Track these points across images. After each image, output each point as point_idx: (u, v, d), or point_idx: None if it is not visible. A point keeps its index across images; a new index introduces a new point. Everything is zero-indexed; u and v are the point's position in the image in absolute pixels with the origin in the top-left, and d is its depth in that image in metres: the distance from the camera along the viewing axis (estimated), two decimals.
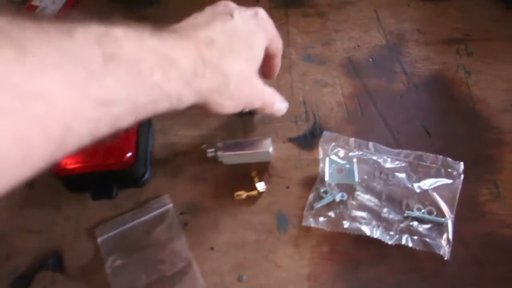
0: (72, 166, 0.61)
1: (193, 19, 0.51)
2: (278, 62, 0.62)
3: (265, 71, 0.63)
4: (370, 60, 0.73)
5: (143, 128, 0.66)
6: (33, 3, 0.87)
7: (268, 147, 0.63)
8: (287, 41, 0.76)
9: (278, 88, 0.71)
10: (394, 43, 0.74)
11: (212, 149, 0.65)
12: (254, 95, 0.54)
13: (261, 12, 0.55)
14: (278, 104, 0.61)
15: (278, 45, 0.59)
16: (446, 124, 0.66)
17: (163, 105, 0.41)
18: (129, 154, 0.61)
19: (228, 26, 0.50)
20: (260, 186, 0.63)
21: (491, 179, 0.61)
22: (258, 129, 0.69)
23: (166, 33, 0.44)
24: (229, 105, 0.50)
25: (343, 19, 0.78)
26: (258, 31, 0.53)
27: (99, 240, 0.63)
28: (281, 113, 0.62)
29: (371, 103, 0.69)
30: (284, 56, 0.73)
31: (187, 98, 0.44)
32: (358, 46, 0.75)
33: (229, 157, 0.64)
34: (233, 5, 0.54)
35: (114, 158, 0.61)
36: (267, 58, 0.59)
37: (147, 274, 0.60)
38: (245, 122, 0.69)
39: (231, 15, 0.51)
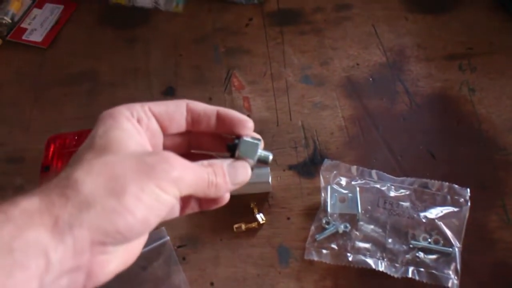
0: None
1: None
2: (205, 111, 0.40)
3: (220, 128, 0.41)
4: (370, 79, 0.71)
5: None
6: (22, 25, 0.84)
7: (267, 178, 0.61)
8: (283, 62, 0.74)
9: (275, 111, 0.69)
10: (395, 60, 0.72)
11: None
12: (149, 168, 0.34)
13: (101, 115, 0.37)
14: (233, 172, 0.39)
15: (153, 108, 0.39)
16: (451, 146, 0.64)
17: None
18: None
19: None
20: (260, 217, 0.61)
21: (500, 205, 0.59)
22: None
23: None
24: (128, 201, 0.32)
25: (340, 35, 0.76)
26: (99, 122, 0.36)
27: None
28: (245, 179, 0.40)
29: (373, 126, 0.66)
30: (280, 78, 0.72)
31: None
32: (358, 64, 0.72)
33: None
34: None
35: None
36: (191, 123, 0.41)
37: None
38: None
39: None
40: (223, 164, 0.38)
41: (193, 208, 0.42)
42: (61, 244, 0.30)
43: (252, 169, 0.40)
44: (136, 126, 0.37)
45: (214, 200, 0.42)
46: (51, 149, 0.66)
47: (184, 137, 0.42)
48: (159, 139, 0.40)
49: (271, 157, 0.40)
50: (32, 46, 0.83)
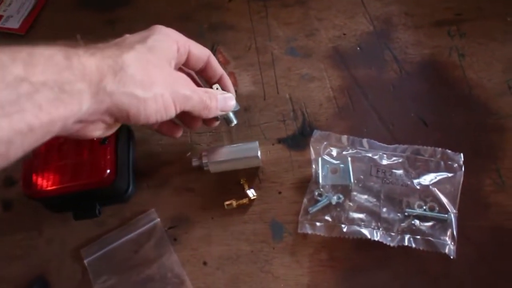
0: (48, 188, 0.58)
1: None
2: (217, 71, 0.58)
3: (208, 75, 0.58)
4: (358, 48, 0.69)
5: (121, 140, 0.62)
6: None
7: (256, 152, 0.60)
8: (268, 35, 0.72)
9: (262, 85, 0.68)
10: (382, 29, 0.70)
11: (197, 158, 0.61)
12: (177, 82, 0.48)
13: (157, 25, 0.50)
14: (220, 102, 0.55)
15: (197, 49, 0.54)
16: (443, 112, 0.62)
17: (46, 98, 0.37)
18: (108, 171, 0.58)
19: (117, 39, 0.48)
20: (251, 193, 0.60)
21: (494, 168, 0.58)
22: (244, 131, 0.65)
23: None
24: (148, 97, 0.44)
25: (325, 6, 0.74)
26: (155, 32, 0.49)
27: (85, 261, 0.60)
28: (226, 109, 0.56)
29: (362, 95, 0.65)
30: (266, 51, 0.70)
31: (73, 82, 0.38)
32: (344, 34, 0.70)
33: (216, 165, 0.60)
34: None
35: (92, 177, 0.58)
36: (205, 75, 0.57)
37: None
38: (230, 128, 0.65)
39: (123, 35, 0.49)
40: (217, 94, 0.55)
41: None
42: (94, 103, 0.40)
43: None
44: (175, 49, 0.50)
45: (207, 121, 0.59)
46: None
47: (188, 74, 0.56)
48: (180, 63, 0.53)
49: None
50: (9, 34, 0.80)
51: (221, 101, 0.54)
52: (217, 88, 0.57)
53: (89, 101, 0.40)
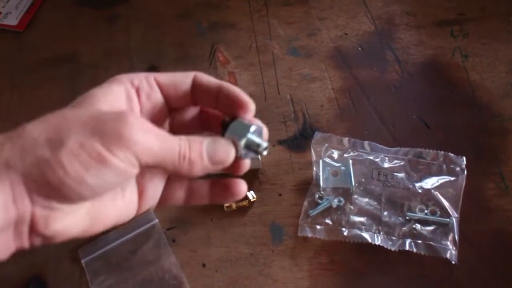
0: None
1: None
2: (211, 86, 0.36)
3: (226, 109, 0.37)
4: (360, 49, 0.68)
5: None
6: None
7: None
8: (269, 34, 0.71)
9: (263, 86, 0.67)
10: (384, 29, 0.69)
11: None
12: (111, 124, 0.30)
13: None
14: (212, 150, 0.33)
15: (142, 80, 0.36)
16: (445, 114, 0.62)
17: None
18: None
19: None
20: (251, 195, 0.59)
21: (497, 172, 0.57)
22: None
23: None
24: (62, 154, 0.28)
25: (327, 5, 0.73)
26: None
27: (83, 261, 0.59)
28: (226, 160, 0.34)
29: (364, 96, 0.64)
30: (266, 51, 0.69)
31: None
32: (346, 34, 0.70)
33: None
34: None
35: None
36: (201, 101, 0.37)
37: None
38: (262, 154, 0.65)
39: None
40: (202, 140, 0.33)
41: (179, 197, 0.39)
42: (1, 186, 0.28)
43: (240, 154, 0.34)
44: (129, 92, 0.35)
45: (226, 190, 0.38)
46: None
47: (194, 118, 0.39)
48: (163, 112, 0.37)
49: (265, 145, 0.35)
50: (7, 30, 0.80)
51: (209, 150, 0.33)
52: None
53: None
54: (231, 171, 0.37)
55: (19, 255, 0.58)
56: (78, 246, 0.60)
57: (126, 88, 0.35)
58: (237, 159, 0.35)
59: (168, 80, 0.36)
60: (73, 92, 0.72)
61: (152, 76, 0.36)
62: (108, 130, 0.29)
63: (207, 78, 0.37)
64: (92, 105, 0.32)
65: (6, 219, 0.28)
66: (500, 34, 0.67)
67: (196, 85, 0.37)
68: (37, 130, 0.29)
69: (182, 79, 0.37)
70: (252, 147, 0.35)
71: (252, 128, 0.35)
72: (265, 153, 0.35)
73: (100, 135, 0.29)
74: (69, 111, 0.31)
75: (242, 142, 0.34)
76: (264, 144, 0.35)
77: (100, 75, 0.73)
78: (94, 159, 0.29)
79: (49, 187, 0.29)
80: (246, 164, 0.37)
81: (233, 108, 0.36)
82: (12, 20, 0.80)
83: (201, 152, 0.33)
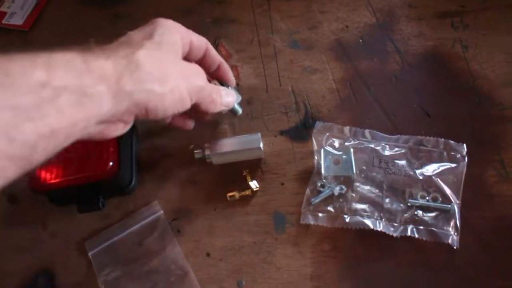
0: (52, 181, 0.58)
1: None
2: (216, 59, 0.58)
3: (217, 77, 0.60)
4: (360, 41, 0.69)
5: (124, 133, 0.62)
6: (1, 9, 0.82)
7: (258, 144, 0.60)
8: (270, 28, 0.72)
9: (264, 78, 0.68)
10: (385, 21, 0.70)
11: (200, 150, 0.61)
12: (191, 74, 0.50)
13: (158, 18, 0.51)
14: (227, 97, 0.57)
15: (197, 40, 0.54)
16: (446, 103, 0.62)
17: (68, 102, 0.37)
18: (111, 163, 0.58)
19: (121, 39, 0.48)
20: (253, 184, 0.60)
21: (497, 159, 0.58)
22: (247, 123, 0.65)
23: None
24: (165, 91, 0.46)
25: None
26: (158, 26, 0.49)
27: (90, 254, 0.60)
28: (230, 105, 0.59)
29: (364, 87, 0.65)
30: (268, 44, 0.70)
31: (93, 86, 0.39)
32: (347, 27, 0.70)
33: (218, 157, 0.60)
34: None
35: (95, 169, 0.58)
36: (204, 65, 0.56)
37: (142, 286, 0.57)
38: (232, 120, 0.65)
39: (126, 33, 0.49)
40: (221, 88, 0.56)
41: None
42: (114, 103, 0.41)
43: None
44: (179, 41, 0.50)
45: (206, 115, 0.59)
46: None
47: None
48: (184, 54, 0.53)
49: (240, 111, 0.63)
50: (13, 30, 0.81)
51: (224, 96, 0.56)
52: (215, 83, 0.60)
53: (109, 103, 0.41)
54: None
55: (27, 249, 0.59)
56: (84, 239, 0.61)
57: (179, 41, 0.50)
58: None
59: (196, 43, 0.54)
60: None
61: (188, 34, 0.52)
62: (191, 80, 0.49)
63: (214, 52, 0.57)
64: (173, 49, 0.49)
65: (101, 120, 0.42)
66: (500, 24, 0.67)
67: (206, 53, 0.56)
68: (149, 64, 0.44)
69: (202, 45, 0.55)
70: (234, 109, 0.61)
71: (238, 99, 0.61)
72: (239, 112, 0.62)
73: (187, 83, 0.48)
74: (163, 53, 0.47)
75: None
76: (240, 111, 0.62)
77: None
78: (181, 99, 0.48)
79: (144, 110, 0.45)
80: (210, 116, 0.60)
81: (220, 75, 0.59)
82: (18, 20, 0.81)
83: (221, 99, 0.55)
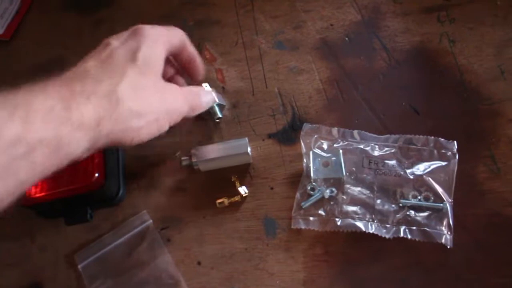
0: (38, 195, 0.57)
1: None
2: (191, 54, 0.56)
3: (188, 71, 0.58)
4: (346, 39, 0.68)
5: None
6: None
7: (246, 149, 0.59)
8: (255, 29, 0.71)
9: (250, 81, 0.67)
10: (370, 18, 0.69)
11: (187, 157, 0.60)
12: (170, 99, 0.49)
13: (140, 27, 0.49)
14: (205, 97, 0.56)
15: (175, 37, 0.53)
16: (435, 100, 0.61)
17: (42, 156, 0.37)
18: (96, 175, 0.57)
19: (104, 53, 0.46)
20: (243, 190, 0.59)
21: (488, 155, 0.57)
22: (234, 128, 0.64)
23: (21, 88, 0.39)
24: (143, 125, 0.45)
25: None
26: (140, 41, 0.47)
27: (79, 266, 0.59)
28: (212, 102, 0.59)
29: (352, 86, 0.64)
30: (253, 46, 0.69)
31: (72, 135, 0.39)
32: (332, 25, 0.69)
33: (206, 164, 0.59)
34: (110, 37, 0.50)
35: (81, 181, 0.57)
36: (178, 58, 0.55)
37: None
38: (219, 125, 0.65)
39: (108, 44, 0.47)
40: (199, 89, 0.56)
41: None
42: (90, 145, 0.41)
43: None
44: (163, 56, 0.49)
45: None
46: None
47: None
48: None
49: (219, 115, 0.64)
50: None
51: (203, 97, 0.55)
52: (206, 86, 0.61)
53: (85, 146, 0.41)
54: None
55: (16, 263, 0.59)
56: (73, 251, 0.60)
57: (163, 56, 0.50)
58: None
59: (177, 43, 0.52)
60: None
61: (170, 39, 0.51)
62: (170, 106, 0.48)
63: (190, 47, 0.55)
64: (156, 69, 0.48)
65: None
66: (487, 18, 0.66)
67: (183, 48, 0.54)
68: (129, 99, 0.43)
69: (180, 41, 0.53)
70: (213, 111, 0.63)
71: (216, 99, 0.61)
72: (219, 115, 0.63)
73: (166, 111, 0.48)
74: (146, 81, 0.46)
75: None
76: (219, 114, 0.64)
77: None
78: (158, 128, 0.47)
79: (118, 143, 0.44)
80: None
81: (191, 72, 0.57)
82: None
83: (201, 102, 0.55)
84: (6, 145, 0.34)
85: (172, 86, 0.50)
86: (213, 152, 0.59)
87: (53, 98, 0.38)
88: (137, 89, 0.45)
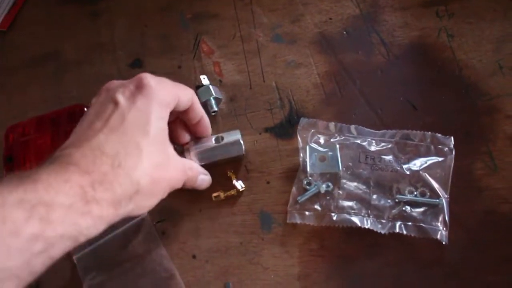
0: None
1: (79, 125, 0.46)
2: (198, 114, 0.56)
3: (195, 130, 0.58)
4: (344, 33, 0.67)
5: None
6: None
7: (237, 136, 0.58)
8: (253, 22, 0.70)
9: (248, 74, 0.66)
10: (369, 12, 0.68)
11: (180, 150, 0.59)
12: (173, 173, 0.49)
13: (145, 79, 0.47)
14: (202, 176, 0.57)
15: (185, 97, 0.52)
16: (433, 95, 0.61)
17: (61, 249, 0.38)
18: None
19: (115, 121, 0.44)
20: (239, 185, 0.58)
21: (485, 151, 0.57)
22: (231, 121, 0.64)
23: (39, 175, 0.38)
24: (150, 204, 0.47)
25: None
26: (150, 104, 0.46)
27: (74, 258, 0.59)
28: (205, 185, 0.58)
29: (350, 80, 0.64)
30: (251, 39, 0.69)
31: (91, 226, 0.40)
32: (330, 19, 0.69)
33: (199, 156, 0.59)
34: (114, 86, 0.48)
35: None
36: (185, 117, 0.55)
37: None
38: (216, 118, 0.64)
39: (115, 102, 0.45)
40: (198, 170, 0.56)
41: None
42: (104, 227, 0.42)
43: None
44: (166, 121, 0.49)
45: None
46: (10, 139, 0.63)
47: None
48: None
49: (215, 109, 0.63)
50: None
51: (199, 182, 0.56)
52: (204, 78, 0.64)
53: (102, 228, 0.42)
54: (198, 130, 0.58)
55: None
56: None
57: (166, 121, 0.49)
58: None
59: (184, 101, 0.51)
60: (59, 89, 0.72)
61: (177, 96, 0.50)
62: (175, 183, 0.50)
63: (198, 105, 0.55)
64: (165, 139, 0.48)
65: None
66: (486, 13, 0.66)
67: (191, 107, 0.53)
68: (146, 185, 0.44)
69: (187, 99, 0.52)
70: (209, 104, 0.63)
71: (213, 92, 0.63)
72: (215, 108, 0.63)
73: (171, 187, 0.50)
74: (160, 160, 0.46)
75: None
76: (215, 108, 0.63)
77: (85, 70, 0.72)
78: (159, 200, 0.48)
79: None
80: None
81: (196, 130, 0.58)
82: None
83: (197, 180, 0.55)
84: (24, 245, 0.34)
85: (176, 159, 0.50)
86: (206, 144, 0.58)
87: (74, 195, 0.38)
88: (152, 170, 0.45)
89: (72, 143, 0.44)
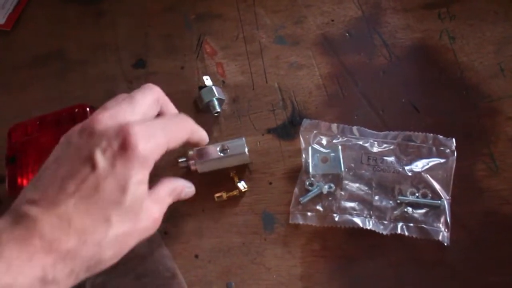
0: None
1: (49, 168, 0.42)
2: (200, 141, 0.53)
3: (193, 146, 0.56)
4: (347, 34, 0.68)
5: None
6: None
7: (243, 149, 0.58)
8: (256, 24, 0.71)
9: (250, 75, 0.67)
10: (371, 13, 0.69)
11: (184, 159, 0.59)
12: (143, 233, 0.45)
13: (133, 137, 0.41)
14: (185, 190, 0.53)
15: (178, 141, 0.47)
16: (434, 97, 0.61)
17: None
18: None
19: (88, 188, 0.40)
20: (242, 185, 0.59)
21: (487, 153, 0.57)
22: (233, 122, 0.64)
23: (2, 250, 0.36)
24: (111, 264, 0.44)
25: None
26: (131, 169, 0.41)
27: None
28: (188, 196, 0.54)
29: (352, 82, 0.64)
30: (253, 40, 0.69)
31: None
32: (332, 21, 0.69)
33: (203, 165, 0.59)
34: (98, 134, 0.42)
35: None
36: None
37: None
38: (218, 119, 0.65)
39: (93, 164, 0.40)
40: (184, 185, 0.53)
41: None
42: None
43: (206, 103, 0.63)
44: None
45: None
46: (13, 139, 0.63)
47: None
48: None
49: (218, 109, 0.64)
50: None
51: (187, 191, 0.53)
52: (207, 79, 0.64)
53: None
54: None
55: None
56: None
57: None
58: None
59: (182, 139, 0.48)
60: (62, 89, 0.72)
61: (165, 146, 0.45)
62: (143, 236, 0.46)
63: (198, 135, 0.52)
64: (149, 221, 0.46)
65: None
66: (487, 15, 0.66)
67: (189, 139, 0.50)
68: (109, 252, 0.42)
69: (186, 135, 0.49)
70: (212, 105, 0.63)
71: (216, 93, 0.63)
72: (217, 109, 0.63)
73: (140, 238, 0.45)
74: (131, 224, 0.42)
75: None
76: (218, 109, 0.63)
77: (88, 70, 0.72)
78: (118, 258, 0.44)
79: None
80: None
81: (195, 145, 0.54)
82: None
83: (184, 193, 0.53)
84: None
85: (148, 209, 0.45)
86: (211, 154, 0.58)
87: (34, 278, 0.37)
88: (119, 240, 0.42)
89: (40, 199, 0.39)
